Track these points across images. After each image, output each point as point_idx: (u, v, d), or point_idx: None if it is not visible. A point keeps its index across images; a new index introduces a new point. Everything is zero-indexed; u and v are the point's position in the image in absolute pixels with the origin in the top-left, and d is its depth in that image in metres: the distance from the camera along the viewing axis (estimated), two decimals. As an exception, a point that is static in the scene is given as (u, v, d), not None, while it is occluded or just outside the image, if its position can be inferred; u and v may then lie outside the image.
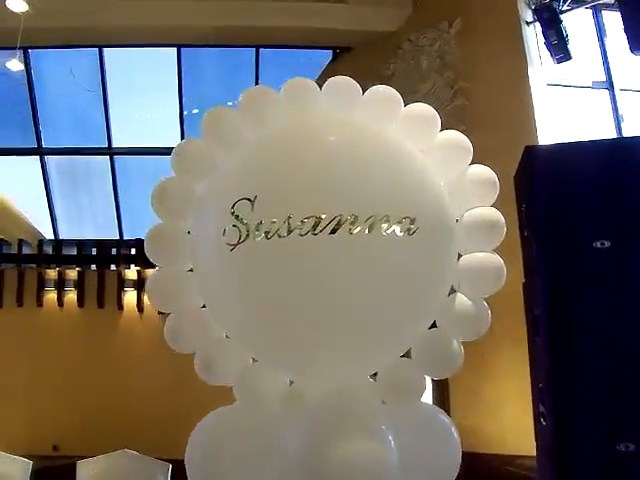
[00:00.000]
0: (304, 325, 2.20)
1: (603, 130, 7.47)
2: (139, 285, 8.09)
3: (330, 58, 9.14)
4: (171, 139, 9.24)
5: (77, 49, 9.08)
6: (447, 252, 2.33)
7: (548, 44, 7.03)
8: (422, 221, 2.16)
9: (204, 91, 9.68)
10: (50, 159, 9.85)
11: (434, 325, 2.40)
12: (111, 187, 9.86)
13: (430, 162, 2.39)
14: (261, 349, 2.40)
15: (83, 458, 4.14)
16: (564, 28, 6.96)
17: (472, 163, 2.52)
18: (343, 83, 2.41)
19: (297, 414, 2.24)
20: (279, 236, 2.07)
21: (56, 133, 9.82)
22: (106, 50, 9.13)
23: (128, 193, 9.97)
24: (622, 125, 7.50)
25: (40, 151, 9.68)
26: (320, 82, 2.47)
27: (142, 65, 9.66)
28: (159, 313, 7.77)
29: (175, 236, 2.42)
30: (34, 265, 8.44)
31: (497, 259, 2.34)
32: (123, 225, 9.98)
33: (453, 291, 2.37)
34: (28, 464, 4.20)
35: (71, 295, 8.21)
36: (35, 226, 9.99)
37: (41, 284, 8.17)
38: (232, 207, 2.15)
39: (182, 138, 9.07)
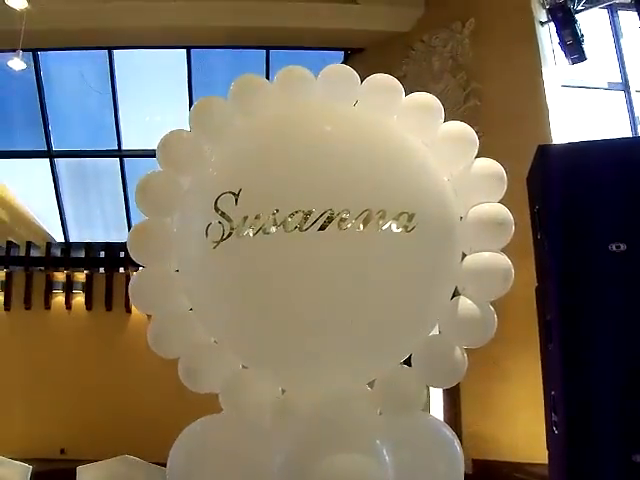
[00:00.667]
0: (290, 328, 2.07)
1: (618, 132, 7.33)
2: (147, 288, 8.04)
3: (342, 59, 9.07)
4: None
5: (87, 51, 9.07)
6: (450, 251, 2.18)
7: (563, 44, 6.90)
8: (422, 217, 2.00)
9: (214, 93, 9.60)
10: (60, 161, 9.85)
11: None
12: (121, 189, 9.85)
13: (433, 155, 2.25)
14: (247, 353, 2.27)
15: (90, 462, 4.08)
16: (579, 28, 6.84)
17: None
18: (340, 72, 2.28)
19: (285, 426, 2.11)
20: (265, 232, 1.93)
21: (66, 135, 9.84)
22: (116, 52, 9.14)
23: (138, 196, 9.95)
24: (638, 127, 7.36)
25: (50, 154, 9.69)
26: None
27: (152, 67, 9.65)
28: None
29: (160, 233, 2.29)
30: (42, 268, 8.42)
31: (504, 259, 2.19)
32: (133, 228, 9.96)
33: (457, 294, 2.23)
34: (28, 468, 4.14)
35: (79, 298, 8.23)
36: (42, 226, 10.00)
37: (49, 287, 8.19)
38: (215, 202, 2.02)
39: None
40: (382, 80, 2.30)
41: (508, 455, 5.92)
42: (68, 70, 9.52)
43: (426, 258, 2.10)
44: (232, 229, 1.98)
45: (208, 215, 2.05)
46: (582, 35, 6.82)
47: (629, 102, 7.44)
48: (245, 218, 1.97)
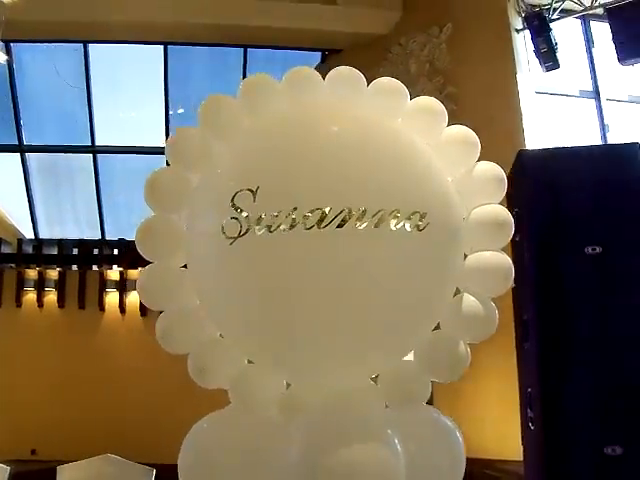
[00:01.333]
0: (305, 324, 2.10)
1: (588, 139, 7.52)
2: (121, 286, 7.96)
3: (319, 60, 9.11)
4: (156, 139, 9.15)
5: (61, 44, 8.91)
6: (456, 250, 2.25)
7: (537, 52, 7.07)
8: (432, 217, 2.06)
9: (190, 91, 9.58)
10: (31, 156, 9.65)
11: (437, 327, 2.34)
12: (94, 186, 9.70)
13: (437, 157, 2.32)
14: (259, 350, 2.29)
15: (61, 463, 4.01)
16: (553, 37, 7.01)
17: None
18: (347, 74, 2.32)
19: (296, 418, 2.15)
20: (282, 230, 1.96)
21: (38, 130, 9.64)
22: (91, 47, 8.99)
23: (111, 192, 9.82)
24: (607, 135, 7.56)
25: (21, 148, 9.49)
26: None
27: (127, 63, 9.53)
28: (142, 315, 7.69)
29: (168, 230, 2.31)
30: (13, 265, 8.25)
31: (505, 258, 2.27)
32: (105, 225, 9.81)
33: (458, 292, 2.32)
34: (5, 470, 4.06)
35: (51, 295, 8.07)
36: (12, 222, 9.78)
37: (20, 284, 8.00)
38: (232, 198, 2.03)
39: (167, 138, 8.89)
40: (388, 83, 2.35)
41: (478, 452, 6.02)
42: (42, 63, 9.32)
43: (436, 256, 2.17)
44: (249, 226, 2.00)
45: (223, 212, 2.07)
46: (556, 43, 7.00)
47: (599, 110, 7.64)
48: (262, 215, 1.99)
